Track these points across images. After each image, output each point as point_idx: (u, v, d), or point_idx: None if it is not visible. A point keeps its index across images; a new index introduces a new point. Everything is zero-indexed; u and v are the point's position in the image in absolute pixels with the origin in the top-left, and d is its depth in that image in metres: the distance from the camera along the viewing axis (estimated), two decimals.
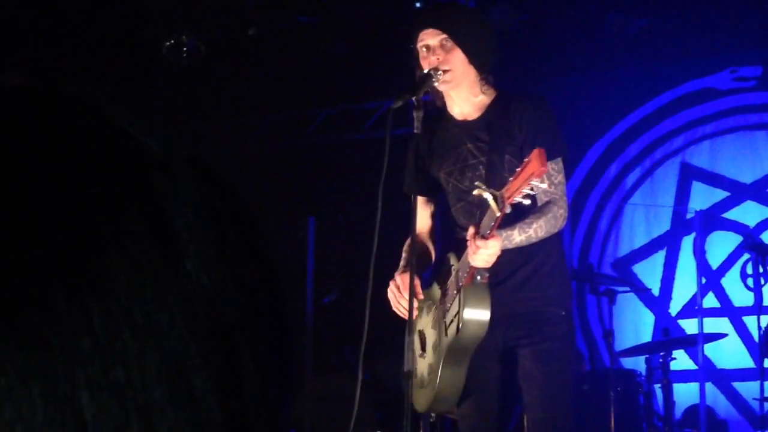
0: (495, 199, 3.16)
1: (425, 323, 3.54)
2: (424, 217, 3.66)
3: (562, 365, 3.43)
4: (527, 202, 3.14)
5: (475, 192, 3.22)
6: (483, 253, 3.21)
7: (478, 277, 3.28)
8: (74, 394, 0.37)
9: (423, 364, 3.49)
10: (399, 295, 3.46)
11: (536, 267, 3.43)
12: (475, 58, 3.49)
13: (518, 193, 3.10)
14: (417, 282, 3.43)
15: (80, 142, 0.41)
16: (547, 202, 3.38)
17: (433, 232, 3.72)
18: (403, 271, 3.49)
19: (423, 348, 3.53)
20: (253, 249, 0.44)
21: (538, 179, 3.06)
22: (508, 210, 3.16)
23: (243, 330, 0.42)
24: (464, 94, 3.54)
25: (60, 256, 0.38)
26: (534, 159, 3.07)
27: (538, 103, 3.50)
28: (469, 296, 3.29)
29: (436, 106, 3.64)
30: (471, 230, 3.26)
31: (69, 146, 0.41)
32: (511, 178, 3.14)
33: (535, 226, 3.33)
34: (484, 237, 3.20)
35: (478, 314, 3.29)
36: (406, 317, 3.33)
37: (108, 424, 0.37)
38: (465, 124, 3.54)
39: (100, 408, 0.37)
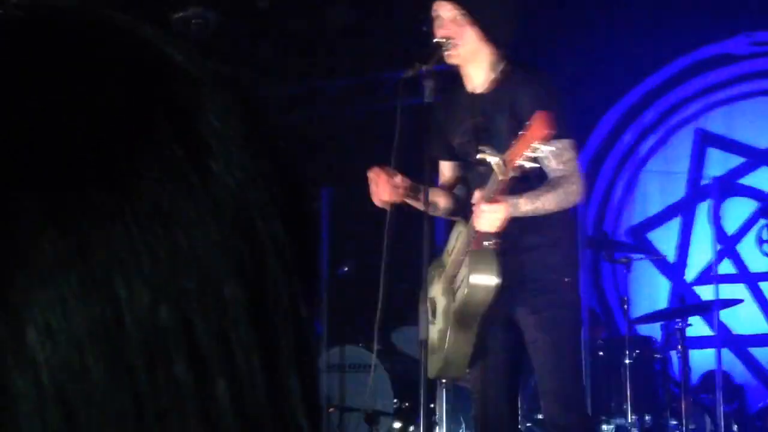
0: (499, 163, 3.17)
1: (436, 290, 3.54)
2: (448, 178, 3.65)
3: (568, 333, 3.43)
4: (529, 165, 3.13)
5: (479, 156, 3.23)
6: (487, 217, 3.21)
7: (486, 243, 3.27)
8: (109, 280, 0.40)
9: (433, 331, 3.50)
10: (377, 176, 3.45)
11: (540, 235, 3.41)
12: (490, 34, 3.43)
13: (520, 156, 3.10)
14: (400, 179, 3.44)
15: (104, 50, 0.44)
16: (559, 177, 3.36)
17: (455, 189, 3.68)
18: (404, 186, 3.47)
19: (434, 314, 3.54)
20: (275, 153, 0.47)
21: (541, 142, 3.05)
22: (511, 174, 3.16)
23: (267, 225, 0.44)
24: (477, 68, 3.50)
25: (94, 152, 0.41)
26: (536, 121, 3.07)
27: (544, 82, 3.44)
28: (476, 261, 3.29)
29: (455, 75, 3.59)
30: (477, 194, 3.27)
31: (93, 54, 0.43)
32: (514, 142, 3.15)
33: (543, 198, 3.31)
34: (489, 201, 3.20)
35: (485, 279, 3.28)
36: (383, 198, 3.42)
37: (140, 309, 0.40)
38: (476, 97, 3.52)
39: (133, 294, 0.40)
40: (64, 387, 0.39)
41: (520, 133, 3.13)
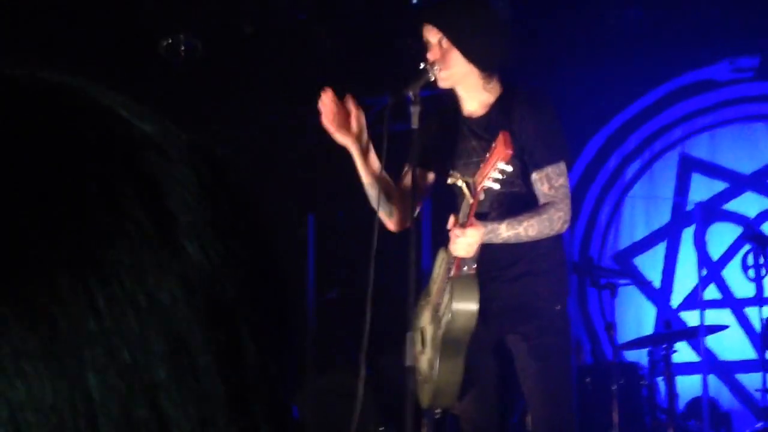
0: (468, 186, 3.18)
1: (425, 320, 3.54)
2: (406, 182, 3.58)
3: (559, 360, 3.42)
4: (497, 186, 3.15)
5: (449, 180, 3.25)
6: (461, 242, 3.21)
7: (465, 268, 3.27)
8: (82, 375, 0.38)
9: (423, 360, 3.49)
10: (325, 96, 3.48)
11: (530, 262, 3.41)
12: (474, 58, 3.42)
13: (486, 177, 3.12)
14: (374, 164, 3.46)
15: (70, 125, 0.42)
16: (545, 204, 3.34)
17: (404, 189, 3.62)
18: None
19: (423, 344, 3.54)
20: (251, 228, 0.45)
21: (504, 162, 3.07)
22: (481, 197, 3.18)
23: (242, 307, 0.42)
24: (469, 91, 3.50)
25: (60, 240, 0.39)
26: (499, 143, 3.09)
27: (540, 104, 3.42)
28: (457, 287, 3.29)
29: (447, 98, 3.59)
30: (451, 219, 3.27)
31: (59, 130, 0.42)
32: (482, 164, 3.17)
33: (525, 224, 3.29)
34: (462, 225, 3.20)
35: (466, 305, 3.28)
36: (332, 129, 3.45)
37: (115, 403, 0.38)
38: (471, 120, 3.51)
39: (107, 388, 0.38)
40: None
41: (486, 155, 3.16)
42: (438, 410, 4.19)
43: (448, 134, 3.55)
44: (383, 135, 3.43)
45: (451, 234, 3.24)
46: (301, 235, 6.25)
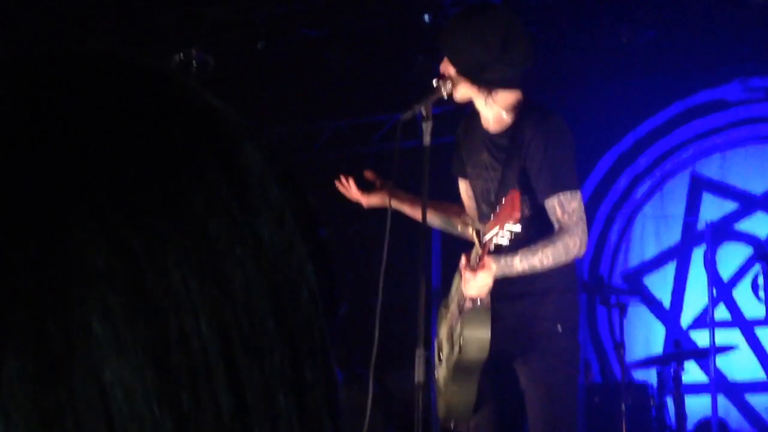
0: (478, 235, 3.18)
1: (443, 333, 3.54)
2: (463, 195, 3.69)
3: (561, 383, 3.37)
4: (506, 242, 3.15)
5: (460, 227, 3.28)
6: (472, 284, 3.20)
7: (479, 302, 3.27)
8: (157, 300, 0.41)
9: (439, 373, 3.51)
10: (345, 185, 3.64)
11: (533, 280, 3.37)
12: (469, 77, 3.40)
13: (496, 236, 3.12)
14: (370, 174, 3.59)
15: (163, 93, 0.46)
16: (559, 230, 3.29)
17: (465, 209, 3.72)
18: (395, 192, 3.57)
19: (440, 358, 3.55)
20: (306, 208, 0.49)
21: (512, 224, 3.07)
22: (491, 248, 3.18)
23: (302, 270, 0.46)
24: (484, 108, 3.50)
25: (150, 182, 0.43)
26: (507, 203, 3.07)
27: (551, 128, 3.37)
28: (469, 320, 3.29)
29: (454, 117, 3.63)
30: (463, 260, 3.26)
31: (149, 102, 0.46)
32: (492, 219, 3.17)
33: (540, 255, 3.25)
34: (473, 268, 3.19)
35: (478, 338, 3.29)
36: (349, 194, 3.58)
37: (184, 330, 0.41)
38: (486, 133, 3.52)
39: (179, 315, 0.41)
40: (108, 398, 0.40)
41: (496, 211, 3.16)
42: (453, 423, 4.20)
43: (469, 144, 3.58)
44: (395, 150, 3.44)
45: (463, 275, 3.24)
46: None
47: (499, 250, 3.28)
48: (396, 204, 3.58)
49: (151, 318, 0.41)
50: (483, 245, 3.17)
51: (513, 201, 3.04)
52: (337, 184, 3.72)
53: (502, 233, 3.10)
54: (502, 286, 3.33)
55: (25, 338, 0.40)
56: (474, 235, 3.22)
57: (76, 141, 0.43)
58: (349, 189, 3.68)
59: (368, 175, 3.70)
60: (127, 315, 0.41)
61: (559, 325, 3.37)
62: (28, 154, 0.42)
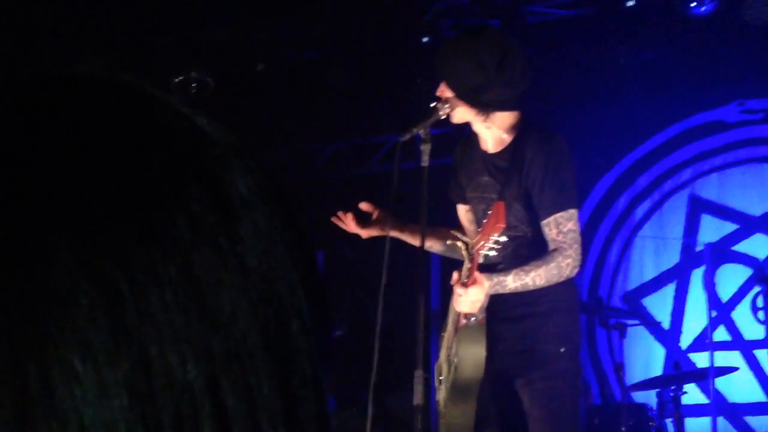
0: (467, 248, 3.19)
1: (443, 356, 3.54)
2: (462, 220, 3.69)
3: (563, 405, 3.36)
4: (493, 253, 3.16)
5: (448, 241, 3.29)
6: (464, 300, 3.20)
7: (472, 319, 3.27)
8: (140, 335, 0.40)
9: (440, 395, 3.51)
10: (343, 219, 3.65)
11: (535, 302, 3.37)
12: (467, 99, 3.41)
13: (483, 247, 3.13)
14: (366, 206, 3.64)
15: (145, 116, 0.45)
16: (554, 250, 3.31)
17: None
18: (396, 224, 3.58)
19: (440, 381, 3.54)
20: (296, 230, 0.47)
21: (497, 234, 3.08)
22: (480, 260, 3.19)
23: (291, 297, 0.44)
24: (479, 127, 3.51)
25: (132, 212, 0.41)
26: (493, 214, 3.09)
27: (551, 148, 3.39)
28: (464, 337, 3.29)
29: (453, 138, 3.63)
30: (454, 276, 3.26)
31: (137, 120, 0.44)
32: (479, 231, 3.18)
33: (533, 274, 3.26)
34: (464, 284, 3.19)
35: (473, 355, 3.28)
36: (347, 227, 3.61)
37: (169, 367, 0.40)
38: (485, 155, 3.52)
39: (163, 351, 0.40)
40: None
41: (485, 222, 3.17)
42: None
43: (468, 167, 3.58)
44: (394, 172, 3.45)
45: (454, 291, 3.24)
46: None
47: (493, 269, 3.29)
48: (395, 233, 3.58)
49: (135, 357, 0.39)
50: (471, 258, 3.18)
51: (498, 212, 3.06)
52: (334, 219, 3.71)
53: (488, 244, 3.12)
54: (504, 308, 3.34)
55: (2, 378, 0.38)
56: (463, 248, 3.23)
57: (54, 170, 0.41)
58: (347, 223, 3.68)
59: (364, 206, 3.69)
60: (110, 354, 0.39)
61: (561, 347, 3.37)
62: (2, 184, 0.40)
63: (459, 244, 3.24)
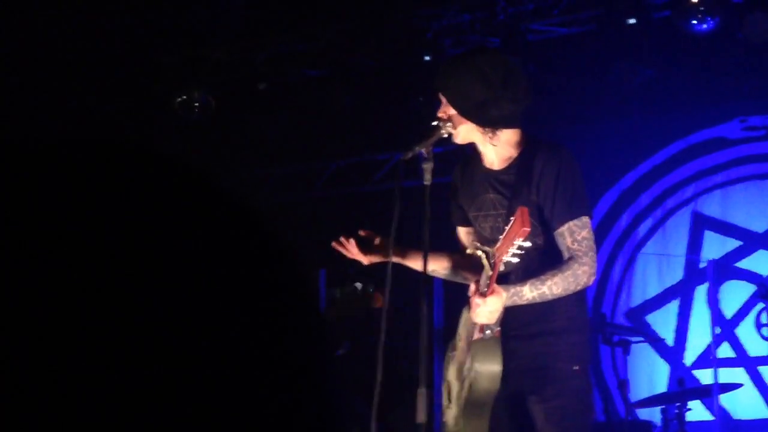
0: (487, 256, 3.18)
1: (452, 375, 3.52)
2: (464, 243, 3.66)
3: (575, 422, 3.36)
4: (516, 260, 3.14)
5: (468, 251, 3.26)
6: (481, 310, 3.19)
7: (488, 332, 3.26)
8: None
9: (449, 415, 3.47)
10: (345, 245, 3.60)
11: (549, 320, 3.37)
12: (472, 116, 3.41)
13: (506, 252, 3.11)
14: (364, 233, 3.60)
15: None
16: (569, 259, 3.31)
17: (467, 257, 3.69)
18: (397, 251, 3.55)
19: (449, 399, 3.52)
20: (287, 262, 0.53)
21: (522, 239, 3.07)
22: (501, 268, 3.17)
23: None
24: (483, 145, 3.50)
25: None
26: (517, 218, 3.08)
27: (560, 159, 3.39)
28: (479, 351, 3.28)
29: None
30: (472, 287, 3.25)
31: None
32: (502, 237, 3.16)
33: (549, 283, 3.26)
34: (483, 294, 3.18)
35: (488, 369, 3.26)
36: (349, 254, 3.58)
37: None
38: (490, 173, 3.52)
39: None
40: None
41: (506, 228, 3.15)
42: None
43: (469, 187, 3.57)
44: (396, 190, 3.45)
45: (472, 302, 3.23)
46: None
47: (508, 280, 3.28)
48: (397, 259, 3.56)
49: None
50: (493, 264, 3.15)
51: (522, 216, 3.04)
52: (335, 245, 3.67)
53: (512, 249, 3.09)
54: (517, 325, 3.32)
55: None
56: (483, 257, 3.20)
57: None
58: (349, 249, 3.65)
59: (363, 234, 3.67)
60: None
61: (575, 365, 3.36)
62: None
63: (479, 253, 3.21)
